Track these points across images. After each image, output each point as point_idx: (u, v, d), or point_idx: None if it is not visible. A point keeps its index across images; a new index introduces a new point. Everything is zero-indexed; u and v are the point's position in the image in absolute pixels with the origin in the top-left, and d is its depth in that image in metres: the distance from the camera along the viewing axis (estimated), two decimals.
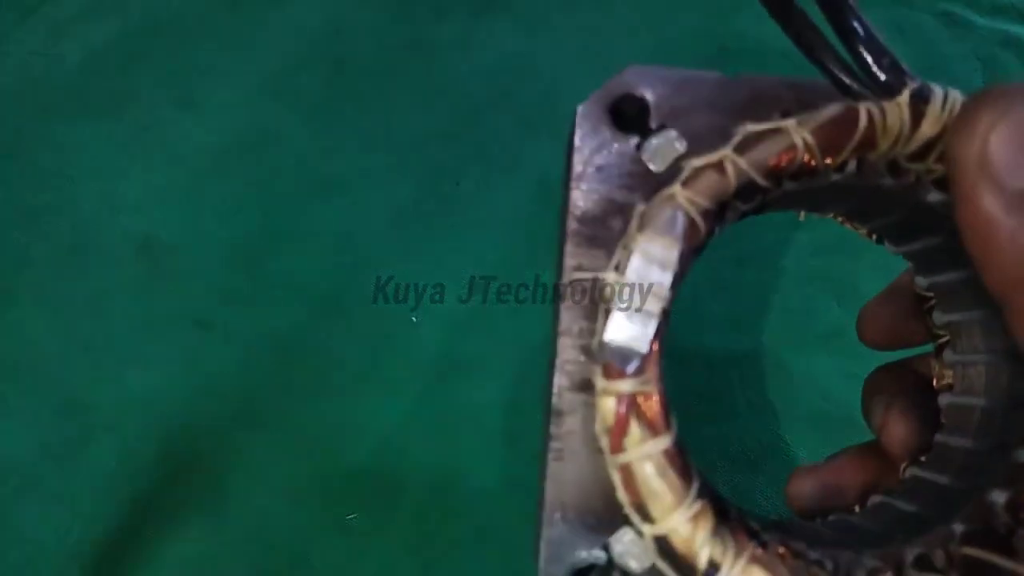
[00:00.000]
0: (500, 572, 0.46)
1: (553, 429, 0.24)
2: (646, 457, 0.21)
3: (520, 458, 0.49)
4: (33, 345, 0.54)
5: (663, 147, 0.24)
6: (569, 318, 0.24)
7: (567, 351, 0.24)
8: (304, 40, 0.60)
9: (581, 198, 0.25)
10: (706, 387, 0.50)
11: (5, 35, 0.58)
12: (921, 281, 0.30)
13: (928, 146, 0.22)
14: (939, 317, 0.30)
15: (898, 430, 0.31)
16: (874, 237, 0.30)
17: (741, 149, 0.22)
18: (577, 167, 0.25)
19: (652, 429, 0.22)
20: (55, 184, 0.56)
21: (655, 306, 0.22)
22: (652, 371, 0.22)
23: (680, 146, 0.24)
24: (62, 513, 0.50)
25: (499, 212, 0.53)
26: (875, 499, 0.30)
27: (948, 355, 0.30)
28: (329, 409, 0.52)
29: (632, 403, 0.22)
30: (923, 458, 0.29)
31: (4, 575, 0.48)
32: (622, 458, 0.22)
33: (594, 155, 0.25)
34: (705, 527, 0.21)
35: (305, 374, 0.53)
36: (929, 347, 0.32)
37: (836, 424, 0.47)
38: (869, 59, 0.23)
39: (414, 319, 0.53)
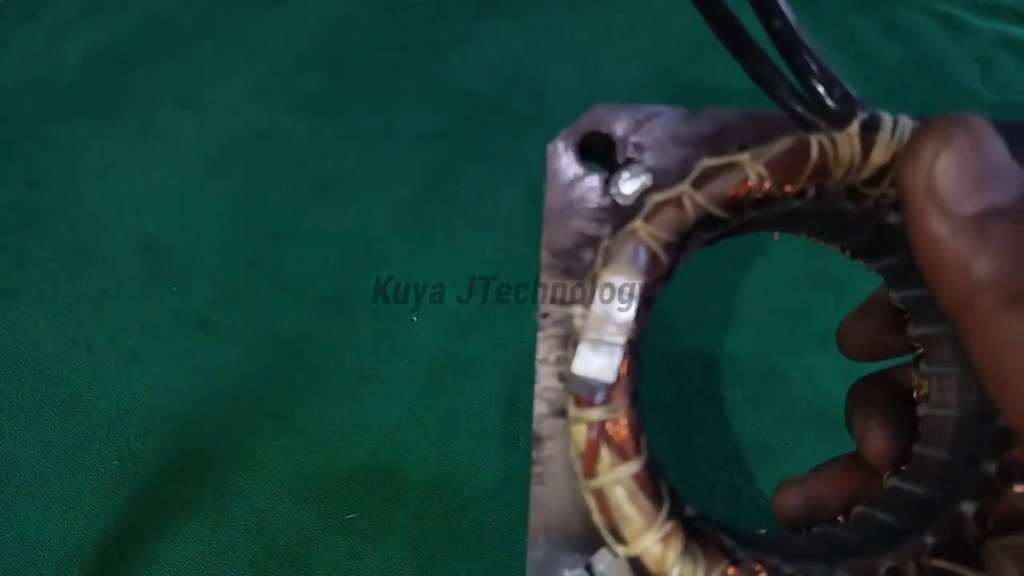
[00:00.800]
0: (499, 571, 0.47)
1: (534, 454, 0.25)
2: (617, 482, 0.22)
3: (519, 458, 0.49)
4: (34, 345, 0.54)
5: (629, 181, 0.26)
6: (546, 348, 0.26)
7: (545, 379, 0.25)
8: (304, 40, 0.60)
9: (554, 232, 0.26)
10: (704, 388, 0.50)
11: (6, 36, 0.59)
12: (895, 295, 0.31)
13: (881, 172, 0.23)
14: (913, 330, 0.31)
15: (878, 441, 0.31)
16: (847, 254, 0.31)
17: (698, 184, 0.23)
18: (549, 202, 0.26)
19: (622, 454, 0.23)
20: (56, 185, 0.57)
21: (619, 338, 0.23)
22: (620, 399, 0.23)
23: (646, 179, 0.26)
24: (63, 512, 0.51)
25: (499, 212, 0.53)
26: (857, 510, 0.30)
27: (924, 366, 0.31)
28: (329, 409, 0.53)
29: (601, 430, 0.23)
30: (903, 468, 0.30)
31: (5, 574, 0.49)
32: (594, 483, 0.23)
33: (565, 190, 0.26)
34: (675, 548, 0.22)
35: (305, 374, 0.54)
36: (910, 357, 0.33)
37: (834, 425, 0.47)
38: (821, 91, 0.24)
39: (415, 319, 0.54)
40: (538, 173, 0.57)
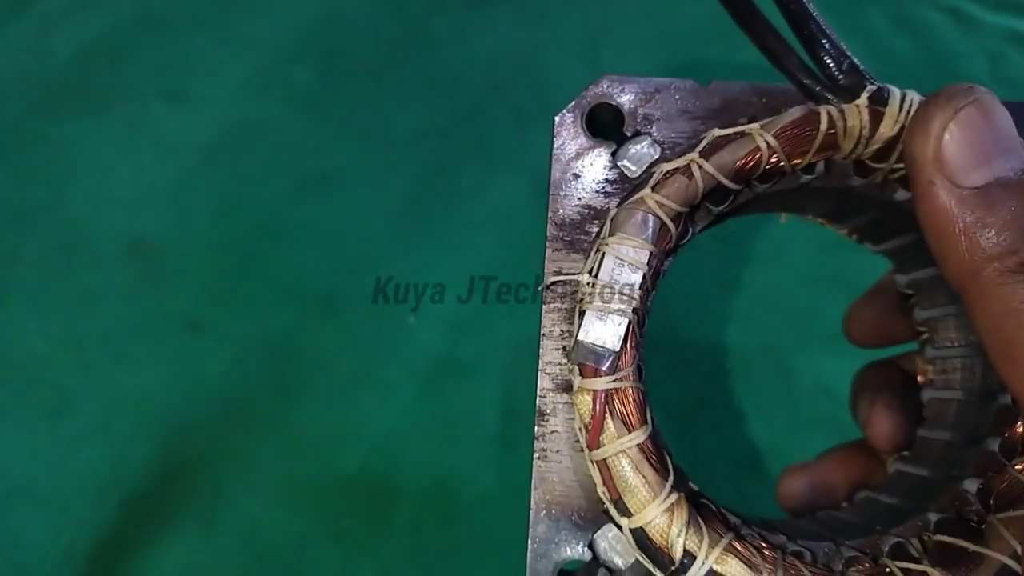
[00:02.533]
0: None
1: (537, 430, 0.25)
2: (622, 452, 0.22)
3: (518, 463, 0.48)
4: (23, 346, 0.53)
5: (638, 153, 0.25)
6: (550, 321, 0.25)
7: (549, 353, 0.25)
8: (296, 34, 0.59)
9: (560, 205, 0.26)
10: (713, 389, 0.49)
11: None
12: (901, 279, 0.31)
13: (889, 146, 0.23)
14: (919, 314, 0.31)
15: (883, 425, 0.31)
16: (854, 237, 0.31)
17: (707, 153, 0.23)
18: (555, 175, 0.26)
19: (627, 424, 0.22)
20: (45, 182, 0.55)
21: (626, 306, 0.22)
22: (626, 368, 0.23)
23: (654, 152, 0.25)
24: (53, 516, 0.50)
25: (499, 210, 0.52)
26: (861, 494, 0.30)
27: (929, 350, 0.30)
28: (323, 412, 0.52)
29: (607, 400, 0.22)
30: (906, 452, 0.30)
31: None
32: (599, 454, 0.22)
33: (572, 163, 0.26)
34: (680, 518, 0.22)
35: (298, 376, 0.52)
36: (915, 345, 0.33)
37: (842, 426, 0.47)
38: (830, 63, 0.24)
39: (412, 320, 0.53)
40: (540, 168, 0.56)
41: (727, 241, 0.53)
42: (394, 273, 0.52)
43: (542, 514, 0.25)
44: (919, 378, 0.31)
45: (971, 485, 0.24)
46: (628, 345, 0.23)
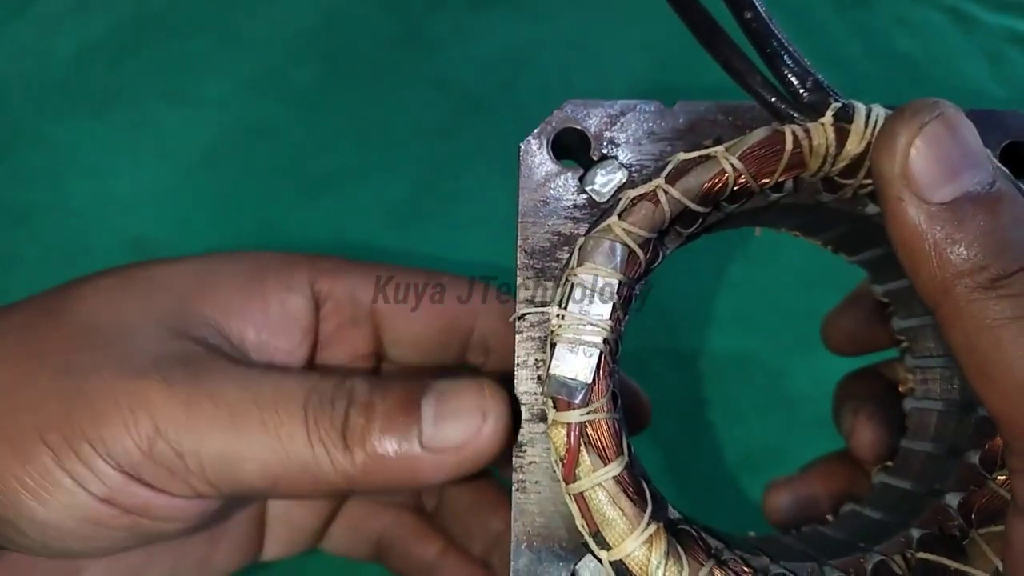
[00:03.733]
0: None
1: (516, 461, 0.25)
2: (598, 485, 0.22)
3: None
4: None
5: (605, 177, 0.25)
6: (524, 351, 0.25)
7: (524, 383, 0.25)
8: (297, 33, 0.58)
9: (529, 232, 0.25)
10: (712, 391, 0.49)
11: None
12: (877, 288, 0.31)
13: (856, 162, 0.23)
14: (897, 323, 0.31)
15: (867, 434, 0.31)
16: (830, 248, 0.31)
17: (673, 178, 0.23)
18: (523, 202, 0.26)
19: (603, 456, 0.22)
20: (45, 182, 0.54)
21: (597, 337, 0.22)
22: (599, 399, 0.22)
23: (621, 175, 0.25)
24: None
25: (499, 210, 0.52)
26: (846, 507, 0.30)
27: (909, 360, 0.30)
28: None
29: (581, 432, 0.22)
30: (890, 463, 0.30)
31: None
32: (575, 487, 0.22)
33: (539, 189, 0.26)
34: (659, 549, 0.22)
35: None
36: (896, 352, 0.32)
37: None
38: (794, 81, 0.23)
39: None
40: None
41: (726, 242, 0.53)
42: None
43: (523, 546, 0.24)
44: (901, 387, 0.31)
45: (953, 499, 0.24)
46: (600, 376, 0.22)
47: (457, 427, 0.24)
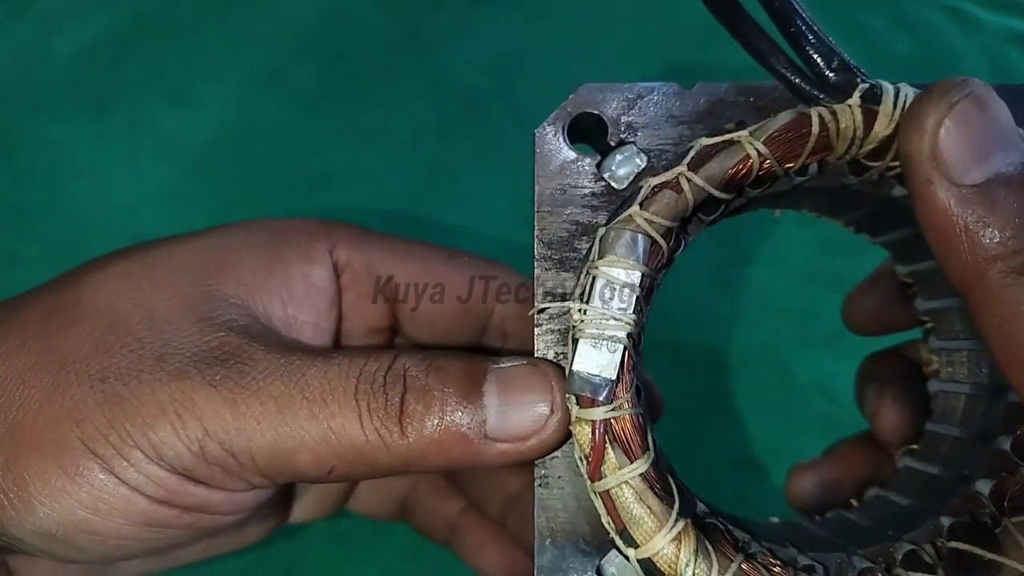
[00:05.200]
0: None
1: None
2: (624, 482, 0.21)
3: None
4: None
5: (623, 163, 0.24)
6: (544, 344, 0.24)
7: None
8: (297, 33, 0.58)
9: (546, 222, 0.25)
10: (711, 390, 0.49)
11: None
12: (901, 269, 0.30)
13: (884, 144, 0.22)
14: (921, 304, 0.30)
15: (891, 417, 0.31)
16: (851, 228, 0.30)
17: (696, 164, 0.22)
18: (540, 191, 0.25)
19: (628, 454, 0.22)
20: (45, 182, 0.54)
21: (621, 332, 0.22)
22: (624, 395, 0.22)
23: (640, 161, 0.24)
24: None
25: (499, 209, 0.52)
26: (871, 492, 0.30)
27: (933, 341, 0.30)
28: None
29: (606, 430, 0.22)
30: (915, 447, 0.29)
31: None
32: (601, 485, 0.22)
33: (556, 177, 0.25)
34: (688, 546, 0.21)
35: None
36: (918, 332, 0.32)
37: (844, 427, 0.46)
38: (819, 61, 0.22)
39: None
40: None
41: (726, 242, 0.53)
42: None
43: (547, 543, 0.24)
44: (924, 368, 0.31)
45: (984, 487, 0.24)
46: (624, 371, 0.22)
47: (523, 418, 0.23)
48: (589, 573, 0.23)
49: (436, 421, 0.24)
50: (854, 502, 0.30)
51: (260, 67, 0.57)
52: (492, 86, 0.56)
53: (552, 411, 0.23)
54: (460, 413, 0.24)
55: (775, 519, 0.29)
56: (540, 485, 0.24)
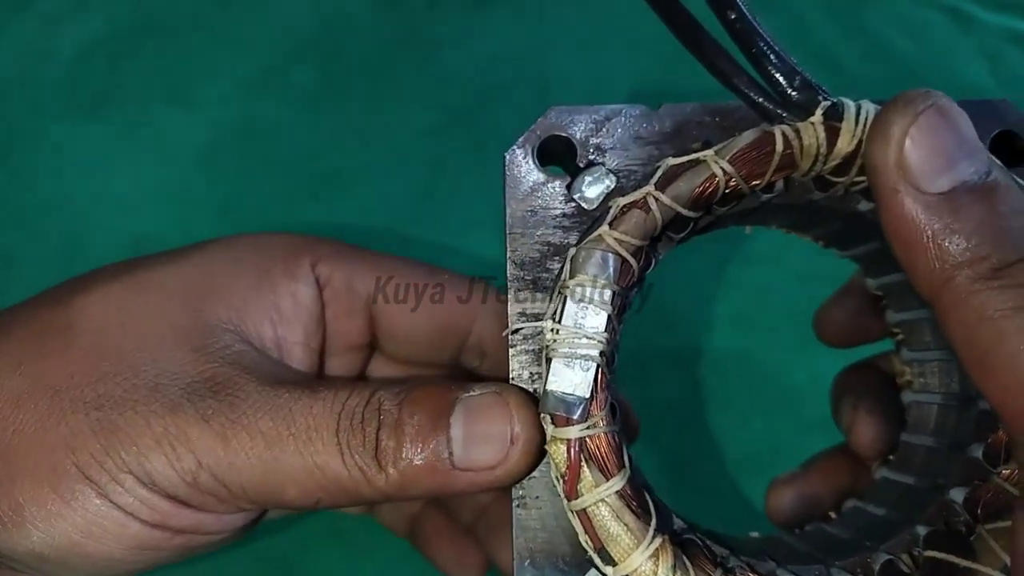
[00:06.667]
0: None
1: None
2: (601, 500, 0.21)
3: None
4: None
5: (592, 184, 0.25)
6: (519, 364, 0.25)
7: None
8: (297, 34, 0.58)
9: (518, 244, 0.25)
10: (712, 391, 0.49)
11: None
12: (871, 282, 0.31)
13: (848, 161, 0.23)
14: (892, 316, 0.30)
15: (866, 429, 0.31)
16: (820, 243, 0.31)
17: (663, 184, 0.22)
18: (511, 213, 0.25)
19: (604, 472, 0.22)
20: (45, 182, 0.54)
21: (593, 351, 0.22)
22: (598, 413, 0.22)
23: (609, 181, 0.25)
24: None
25: (499, 210, 0.52)
26: (849, 504, 0.30)
27: (905, 353, 0.30)
28: None
29: (581, 448, 0.22)
30: (891, 458, 0.30)
31: None
32: (577, 504, 0.22)
33: (526, 199, 0.25)
34: (666, 563, 0.21)
35: None
36: (891, 344, 0.32)
37: None
38: (781, 80, 0.23)
39: None
40: None
41: (725, 241, 0.53)
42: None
43: (526, 563, 0.24)
44: (897, 380, 0.31)
45: (958, 495, 0.24)
46: (598, 389, 0.22)
47: (486, 450, 0.24)
48: None
49: (406, 455, 0.24)
50: (832, 514, 0.30)
51: (260, 67, 0.57)
52: (492, 86, 0.56)
53: (513, 443, 0.23)
54: (428, 446, 0.24)
55: (755, 534, 0.29)
56: (518, 506, 0.24)
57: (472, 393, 0.25)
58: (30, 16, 0.58)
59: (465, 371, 0.35)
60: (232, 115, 0.56)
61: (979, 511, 0.23)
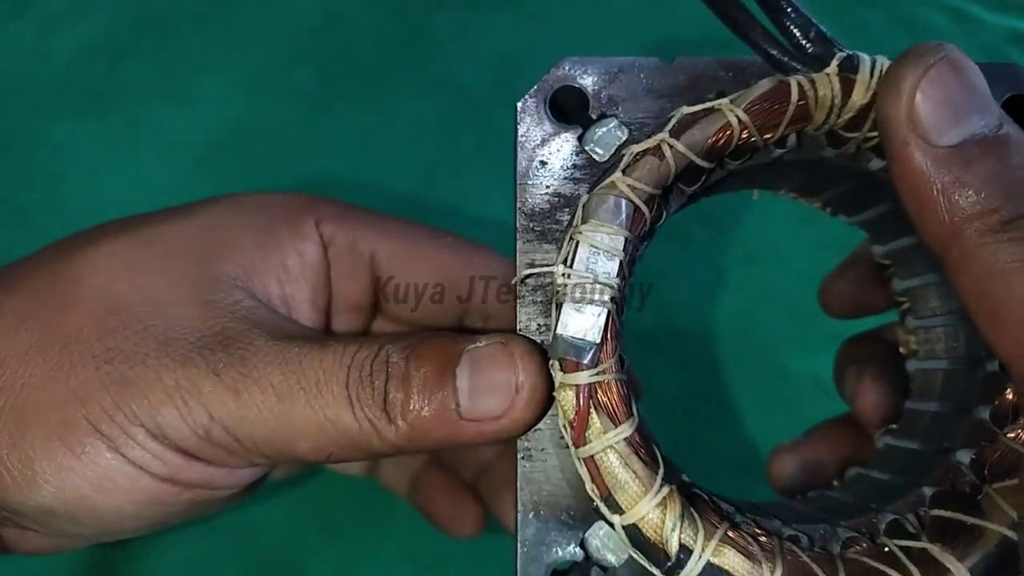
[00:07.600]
0: None
1: None
2: (609, 447, 0.21)
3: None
4: None
5: (605, 136, 0.24)
6: (526, 316, 0.24)
7: None
8: (297, 33, 0.58)
9: (528, 194, 0.25)
10: (712, 389, 0.49)
11: None
12: (878, 249, 0.30)
13: (862, 114, 0.23)
14: (898, 284, 0.30)
15: (870, 397, 0.31)
16: (828, 210, 0.31)
17: (677, 132, 0.22)
18: (521, 163, 0.25)
19: (613, 418, 0.21)
20: (44, 182, 0.54)
21: (604, 295, 0.22)
22: (608, 360, 0.22)
23: (621, 133, 0.24)
24: None
25: (499, 210, 0.52)
26: (852, 472, 0.30)
27: (910, 321, 0.30)
28: None
29: (591, 394, 0.21)
30: (894, 426, 0.30)
31: None
32: (585, 451, 0.22)
33: (537, 150, 0.25)
34: (674, 512, 0.21)
35: None
36: (895, 316, 0.32)
37: None
38: (797, 33, 0.23)
39: None
40: None
41: (725, 240, 0.53)
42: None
43: (530, 516, 0.24)
44: (902, 349, 0.31)
45: (964, 456, 0.24)
46: (609, 336, 0.22)
47: (492, 400, 0.23)
48: (573, 546, 0.23)
49: (414, 407, 0.24)
50: (835, 483, 0.30)
51: (260, 67, 0.57)
52: (492, 86, 0.56)
53: (519, 391, 0.23)
54: (435, 397, 0.24)
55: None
56: (523, 458, 0.24)
57: (478, 344, 0.25)
58: (30, 16, 0.58)
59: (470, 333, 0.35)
60: (232, 114, 0.56)
61: (986, 471, 0.23)
